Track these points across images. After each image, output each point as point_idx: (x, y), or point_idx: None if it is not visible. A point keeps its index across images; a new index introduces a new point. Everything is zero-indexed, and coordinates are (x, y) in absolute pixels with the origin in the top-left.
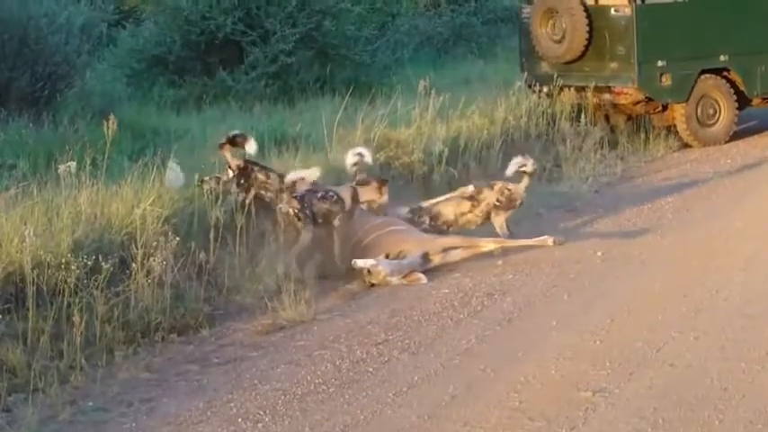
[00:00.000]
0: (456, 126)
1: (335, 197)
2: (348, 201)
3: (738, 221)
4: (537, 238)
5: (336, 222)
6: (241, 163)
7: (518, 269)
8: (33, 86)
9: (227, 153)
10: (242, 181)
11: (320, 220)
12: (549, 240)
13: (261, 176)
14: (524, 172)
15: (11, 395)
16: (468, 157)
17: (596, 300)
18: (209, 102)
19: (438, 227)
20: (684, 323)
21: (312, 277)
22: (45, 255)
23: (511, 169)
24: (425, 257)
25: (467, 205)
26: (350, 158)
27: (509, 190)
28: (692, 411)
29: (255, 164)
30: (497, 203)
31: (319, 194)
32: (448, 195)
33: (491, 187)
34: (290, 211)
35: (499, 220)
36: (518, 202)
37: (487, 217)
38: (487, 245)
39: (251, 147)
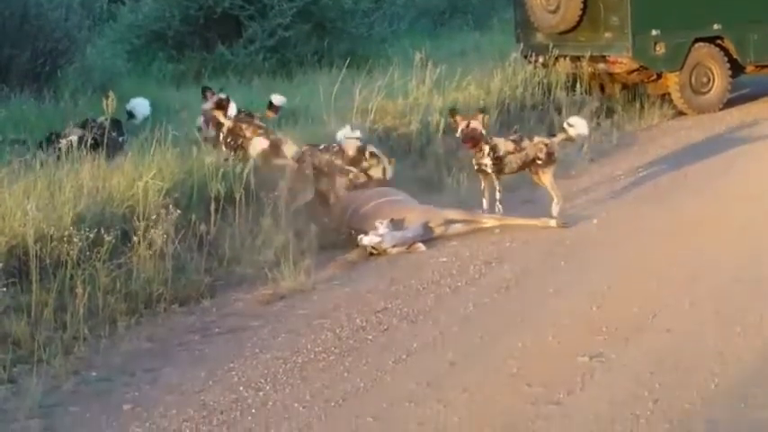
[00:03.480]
0: (452, 97)
1: (337, 147)
2: (350, 152)
3: (733, 187)
4: (540, 219)
5: (338, 179)
6: (231, 123)
7: (515, 237)
8: (34, 62)
9: (220, 115)
10: (230, 140)
11: (325, 169)
12: (552, 222)
13: (248, 134)
14: (566, 127)
15: (15, 366)
16: None
17: (593, 267)
18: (209, 76)
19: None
20: (680, 289)
21: (313, 245)
22: (48, 228)
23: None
24: (427, 228)
25: (511, 145)
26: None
27: (545, 144)
28: (687, 375)
29: (243, 121)
30: (539, 161)
31: (321, 147)
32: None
33: (530, 139)
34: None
35: (547, 178)
36: (555, 156)
37: (523, 167)
38: (489, 221)
39: (232, 110)
